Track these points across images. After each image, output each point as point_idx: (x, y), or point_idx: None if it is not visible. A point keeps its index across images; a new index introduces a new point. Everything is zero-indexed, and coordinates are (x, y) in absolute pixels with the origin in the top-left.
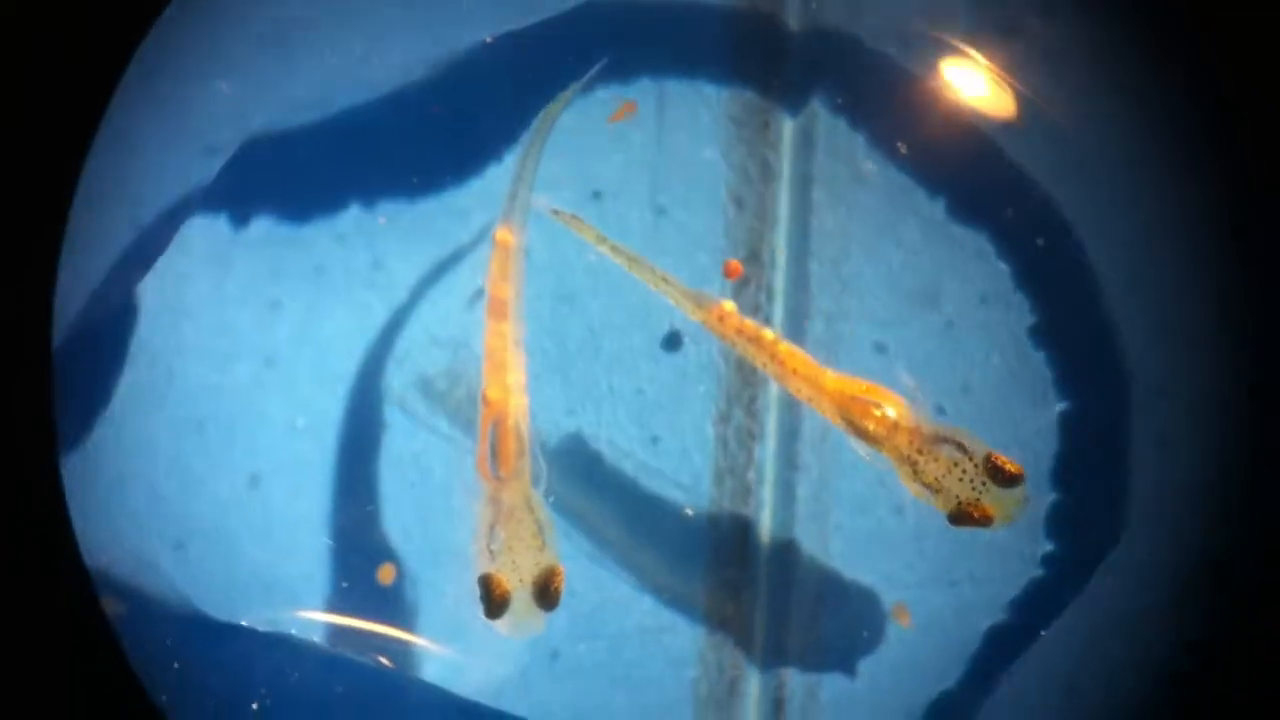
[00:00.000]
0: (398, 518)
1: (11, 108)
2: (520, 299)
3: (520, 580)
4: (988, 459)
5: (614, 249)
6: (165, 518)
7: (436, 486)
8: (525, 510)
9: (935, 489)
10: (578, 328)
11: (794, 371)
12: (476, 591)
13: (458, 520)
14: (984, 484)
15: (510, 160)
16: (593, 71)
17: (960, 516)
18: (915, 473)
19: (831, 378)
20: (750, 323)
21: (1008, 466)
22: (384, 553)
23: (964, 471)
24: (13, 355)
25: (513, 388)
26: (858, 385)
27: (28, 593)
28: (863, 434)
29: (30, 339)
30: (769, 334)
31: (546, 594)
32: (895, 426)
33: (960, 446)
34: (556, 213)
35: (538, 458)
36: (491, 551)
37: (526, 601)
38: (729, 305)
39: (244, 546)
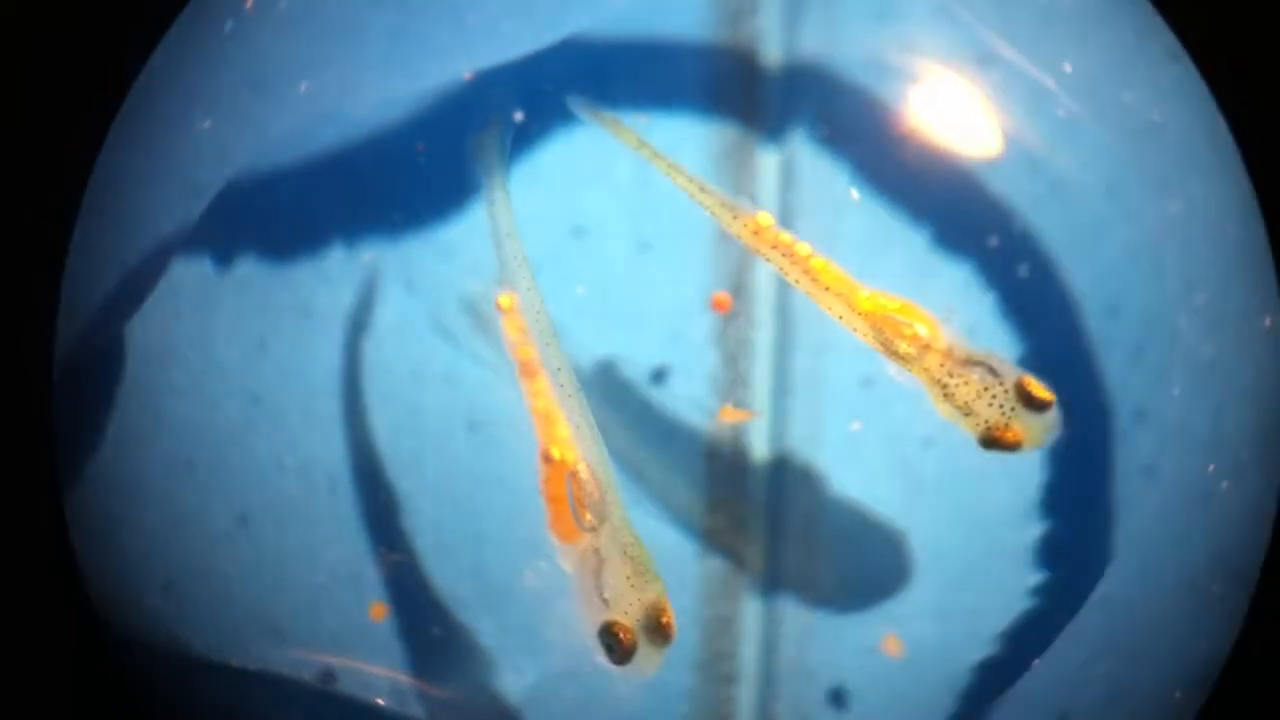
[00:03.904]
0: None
1: (7, 150)
2: (549, 350)
3: (634, 621)
4: (1019, 384)
5: (654, 154)
6: (155, 557)
7: (427, 527)
8: (624, 549)
9: (965, 412)
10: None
11: (826, 288)
12: (599, 643)
13: (446, 558)
14: (1014, 408)
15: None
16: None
17: (990, 440)
18: (945, 395)
19: (865, 295)
20: (786, 235)
21: (1037, 392)
22: (375, 591)
23: (994, 395)
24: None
25: (571, 438)
26: (892, 303)
27: (30, 631)
28: (894, 353)
29: (33, 381)
30: (803, 248)
31: (658, 629)
32: (927, 347)
33: (991, 370)
34: (598, 115)
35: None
36: (606, 600)
37: (643, 642)
38: (764, 218)
39: (233, 585)
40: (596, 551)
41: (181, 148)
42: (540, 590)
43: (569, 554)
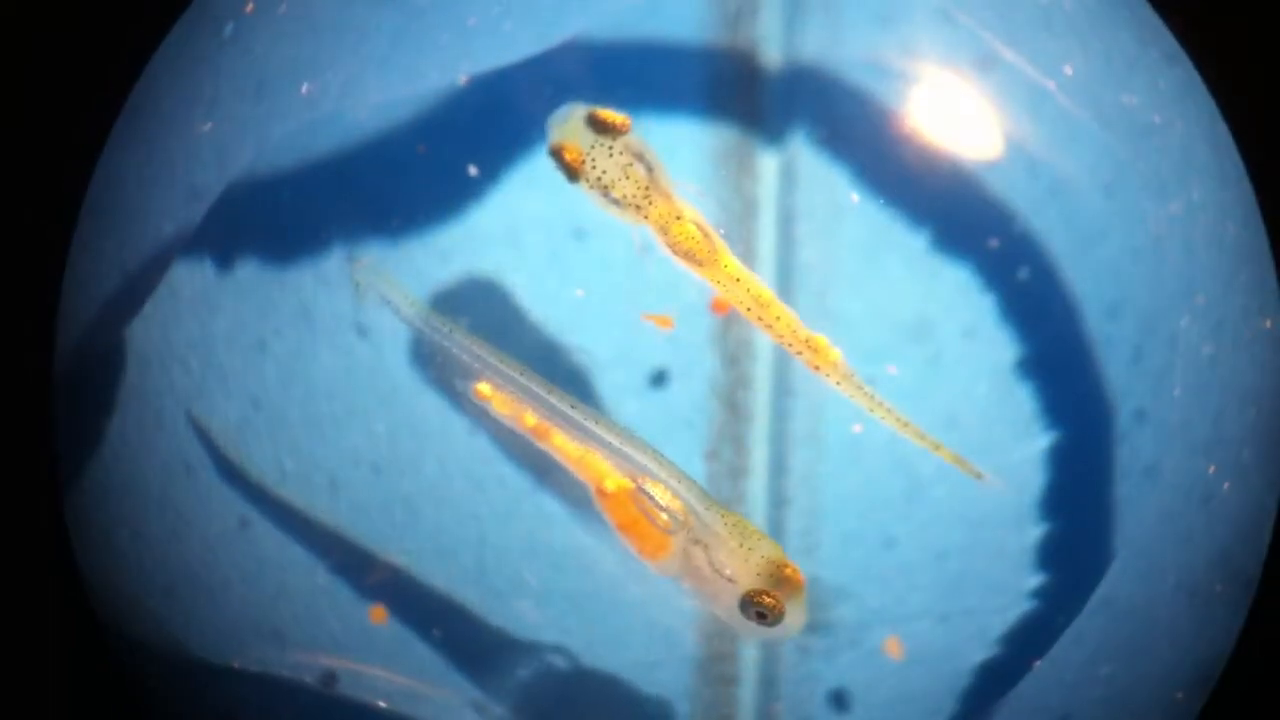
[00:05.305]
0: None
1: (8, 150)
2: (549, 404)
3: (767, 582)
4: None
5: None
6: (155, 560)
7: (427, 530)
8: (720, 522)
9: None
10: (563, 367)
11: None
12: (747, 617)
13: (447, 560)
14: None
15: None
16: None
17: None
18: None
19: None
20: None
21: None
22: (375, 594)
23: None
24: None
25: (615, 465)
26: None
27: (30, 633)
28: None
29: (33, 383)
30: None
31: (786, 581)
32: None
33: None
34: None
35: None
36: (731, 578)
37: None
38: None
39: (234, 588)
40: (698, 541)
41: (182, 150)
42: (542, 592)
43: (668, 564)
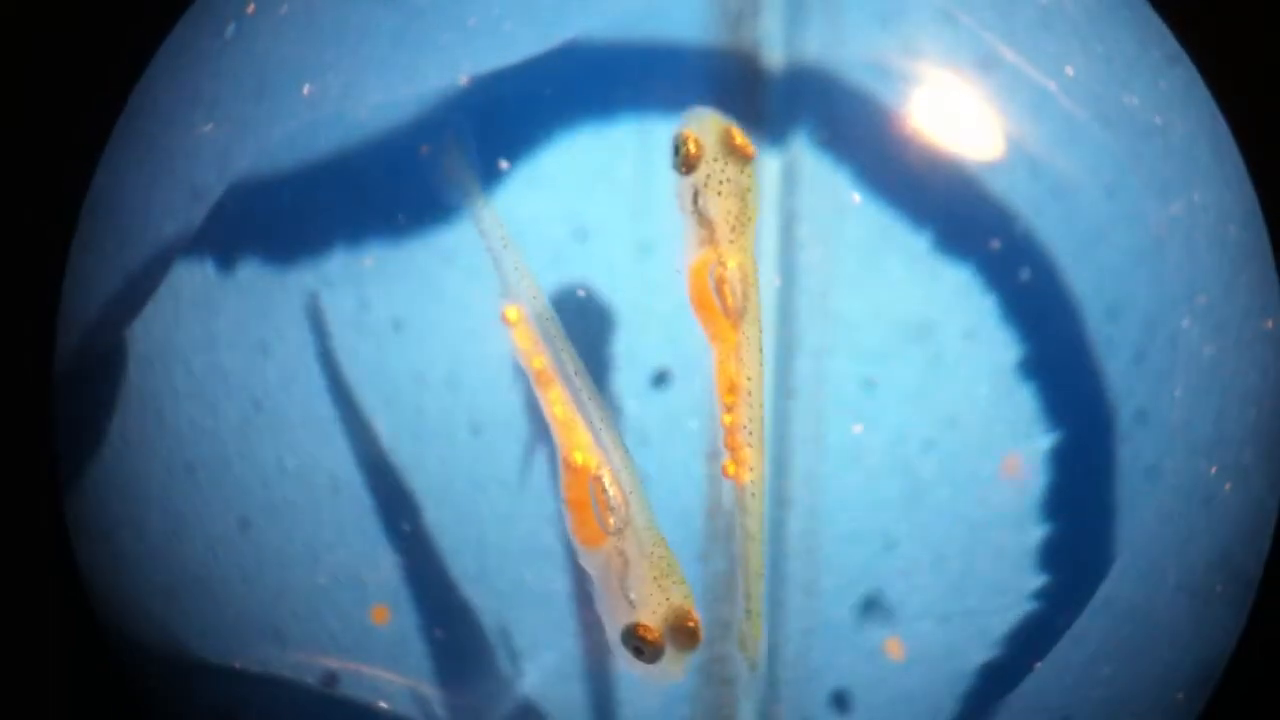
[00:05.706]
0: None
1: (8, 150)
2: (562, 356)
3: (660, 623)
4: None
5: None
6: (155, 560)
7: (428, 530)
8: (650, 552)
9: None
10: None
11: None
12: (625, 646)
13: (448, 562)
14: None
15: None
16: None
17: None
18: None
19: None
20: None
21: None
22: (377, 594)
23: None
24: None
25: (592, 443)
26: None
27: (30, 633)
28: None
29: (34, 383)
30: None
31: (684, 632)
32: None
33: None
34: None
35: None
36: (631, 602)
37: (669, 645)
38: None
39: (234, 588)
40: (622, 554)
41: (183, 150)
42: (544, 594)
43: (593, 558)
